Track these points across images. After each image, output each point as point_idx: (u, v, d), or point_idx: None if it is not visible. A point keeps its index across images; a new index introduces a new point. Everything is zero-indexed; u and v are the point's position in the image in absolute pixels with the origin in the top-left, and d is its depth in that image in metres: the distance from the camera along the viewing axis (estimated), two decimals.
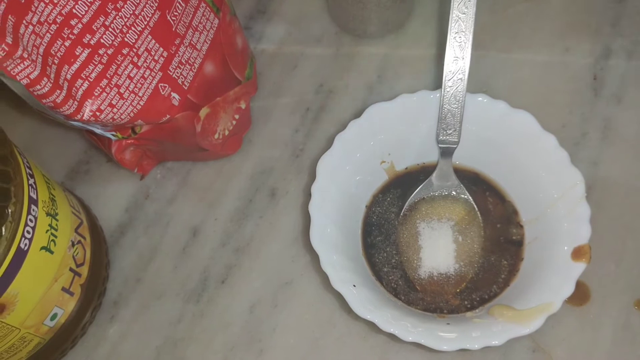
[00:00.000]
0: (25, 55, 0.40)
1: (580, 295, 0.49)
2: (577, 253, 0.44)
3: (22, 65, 0.40)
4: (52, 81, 0.41)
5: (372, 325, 0.48)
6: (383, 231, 0.50)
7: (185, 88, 0.48)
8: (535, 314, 0.42)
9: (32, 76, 0.40)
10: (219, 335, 0.50)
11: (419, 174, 0.52)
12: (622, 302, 0.49)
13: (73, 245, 0.46)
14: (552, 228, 0.46)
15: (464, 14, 0.46)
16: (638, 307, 0.48)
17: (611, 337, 0.48)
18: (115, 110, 0.44)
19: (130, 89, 0.45)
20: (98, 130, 0.47)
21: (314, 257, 0.51)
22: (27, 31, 0.40)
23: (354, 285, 0.44)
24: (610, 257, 0.50)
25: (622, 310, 0.49)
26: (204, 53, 0.49)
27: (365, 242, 0.50)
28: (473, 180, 0.51)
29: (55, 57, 0.41)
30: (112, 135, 0.48)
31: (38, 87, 0.41)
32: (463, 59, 0.47)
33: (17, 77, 0.40)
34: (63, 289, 0.45)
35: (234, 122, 0.53)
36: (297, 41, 0.61)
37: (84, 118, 0.43)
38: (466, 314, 0.46)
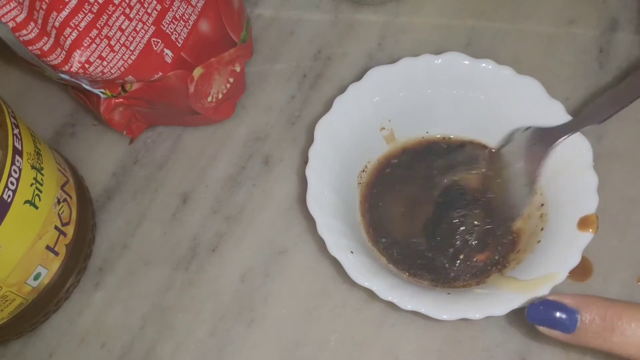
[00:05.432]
0: None
1: (583, 270, 0.47)
2: (584, 223, 0.42)
3: (8, 6, 0.38)
4: (39, 27, 0.39)
5: (367, 297, 0.47)
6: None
7: (179, 45, 0.46)
8: (540, 284, 0.41)
9: (18, 19, 0.38)
10: (209, 304, 0.48)
11: (419, 143, 0.50)
12: (625, 277, 0.47)
13: (59, 202, 0.44)
14: (558, 197, 0.44)
15: None
16: None
17: None
18: (105, 63, 0.42)
19: (122, 42, 0.43)
20: (86, 86, 0.45)
21: (309, 226, 0.50)
22: None
23: (352, 252, 0.42)
24: (613, 232, 0.48)
25: (625, 285, 0.47)
26: (199, 10, 0.47)
27: (363, 210, 0.48)
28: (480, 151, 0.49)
29: (44, 2, 0.39)
30: (101, 92, 0.46)
31: (24, 31, 0.39)
32: None
33: (3, 18, 0.38)
34: (47, 247, 0.43)
35: (228, 86, 0.51)
36: (294, 6, 0.59)
37: (72, 69, 0.41)
38: (468, 286, 0.45)
